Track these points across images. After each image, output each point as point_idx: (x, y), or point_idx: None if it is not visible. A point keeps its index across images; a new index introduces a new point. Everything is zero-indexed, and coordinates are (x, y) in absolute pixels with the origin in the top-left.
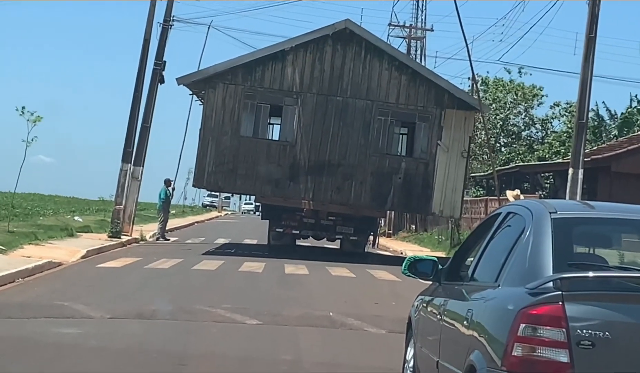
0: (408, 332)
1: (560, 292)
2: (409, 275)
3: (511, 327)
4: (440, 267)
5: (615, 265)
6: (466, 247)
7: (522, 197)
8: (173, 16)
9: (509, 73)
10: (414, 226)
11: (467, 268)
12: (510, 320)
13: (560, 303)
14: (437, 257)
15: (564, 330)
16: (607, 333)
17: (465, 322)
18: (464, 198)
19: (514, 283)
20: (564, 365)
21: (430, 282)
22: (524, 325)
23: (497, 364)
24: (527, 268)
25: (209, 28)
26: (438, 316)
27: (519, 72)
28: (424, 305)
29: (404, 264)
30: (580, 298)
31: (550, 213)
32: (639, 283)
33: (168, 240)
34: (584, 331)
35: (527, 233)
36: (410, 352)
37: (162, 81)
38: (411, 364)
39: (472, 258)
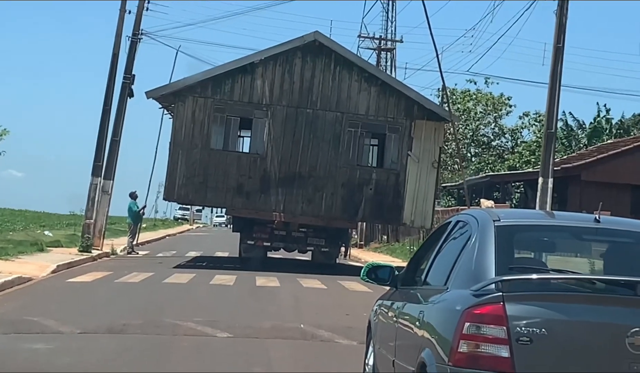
0: (368, 335)
1: (501, 293)
2: (367, 281)
3: (457, 326)
4: (397, 273)
5: (553, 268)
6: (420, 253)
7: (494, 207)
8: (142, 30)
9: (475, 84)
10: (385, 237)
11: (421, 274)
12: (456, 319)
13: (501, 303)
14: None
15: (504, 327)
16: (543, 330)
17: (417, 323)
18: (435, 209)
19: (461, 286)
20: (504, 359)
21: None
22: (468, 323)
23: (445, 360)
24: (472, 271)
25: (177, 53)
26: (394, 318)
27: (486, 82)
28: (383, 309)
29: (362, 271)
30: (519, 299)
31: (494, 221)
32: (573, 284)
33: (137, 253)
34: (523, 328)
35: (473, 239)
36: (370, 354)
37: (131, 95)
38: (371, 364)
39: (425, 264)
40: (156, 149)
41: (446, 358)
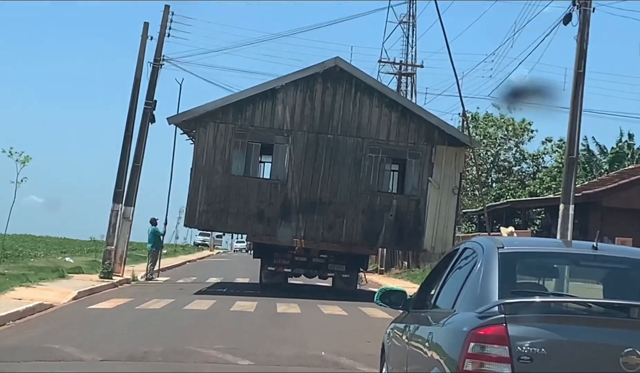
0: (382, 357)
1: (503, 315)
2: (380, 304)
3: (463, 346)
4: (408, 297)
5: (552, 292)
6: (431, 278)
7: (515, 233)
8: (163, 56)
9: (498, 109)
10: (406, 263)
11: (431, 297)
12: (462, 340)
13: (504, 324)
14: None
15: (506, 347)
16: (543, 349)
17: (427, 344)
18: (456, 235)
19: (467, 308)
20: None
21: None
22: (473, 343)
23: None
24: (477, 295)
25: (181, 86)
26: (406, 340)
27: (508, 107)
28: (396, 331)
29: (376, 295)
30: (520, 320)
31: (498, 248)
32: (570, 307)
33: (157, 279)
34: (524, 348)
35: (479, 265)
36: None
37: (152, 120)
38: None
39: (435, 289)
40: (171, 173)
41: None
